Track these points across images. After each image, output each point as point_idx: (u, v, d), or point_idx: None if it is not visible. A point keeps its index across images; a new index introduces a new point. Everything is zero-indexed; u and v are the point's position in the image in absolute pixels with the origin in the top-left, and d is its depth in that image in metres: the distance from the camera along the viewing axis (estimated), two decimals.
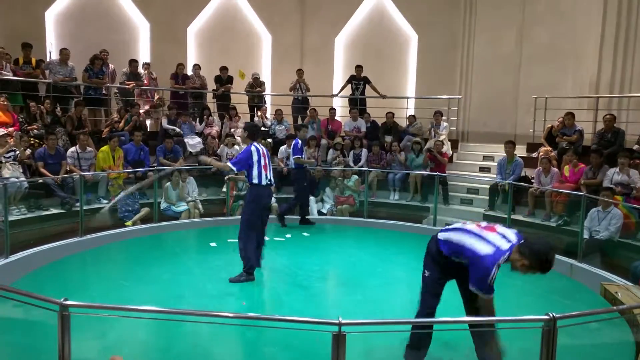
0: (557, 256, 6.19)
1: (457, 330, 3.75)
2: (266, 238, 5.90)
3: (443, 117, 10.18)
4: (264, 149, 5.41)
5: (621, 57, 8.55)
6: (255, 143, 5.36)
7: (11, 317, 4.00)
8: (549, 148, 8.50)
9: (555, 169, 7.77)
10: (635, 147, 7.57)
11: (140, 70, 10.21)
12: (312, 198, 8.77)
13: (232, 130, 10.01)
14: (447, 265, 3.22)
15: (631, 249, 6.00)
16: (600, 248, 6.11)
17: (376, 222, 7.99)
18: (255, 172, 5.23)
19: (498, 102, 11.06)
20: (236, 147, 9.41)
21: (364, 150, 9.70)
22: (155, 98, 10.48)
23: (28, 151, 7.38)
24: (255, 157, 5.23)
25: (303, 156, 8.04)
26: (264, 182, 5.26)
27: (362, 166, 9.39)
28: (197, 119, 10.12)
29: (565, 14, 9.71)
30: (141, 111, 9.70)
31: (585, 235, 6.12)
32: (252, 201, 5.32)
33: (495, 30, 11.02)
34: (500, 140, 9.54)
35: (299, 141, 8.01)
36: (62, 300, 2.44)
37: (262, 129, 10.34)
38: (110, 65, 9.64)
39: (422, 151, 9.38)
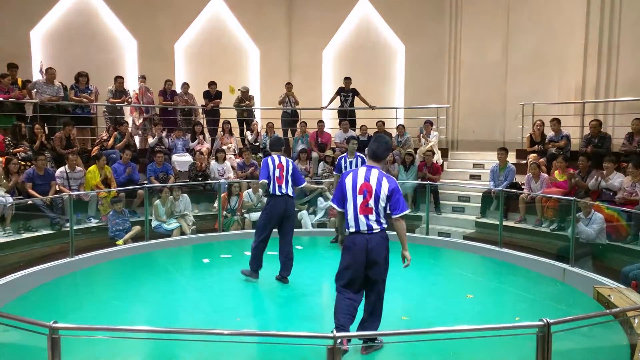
0: (550, 261, 6.30)
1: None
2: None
3: (432, 127, 10.25)
4: (285, 161, 5.62)
5: (605, 62, 8.69)
6: (273, 154, 5.67)
7: (0, 342, 3.92)
8: (535, 155, 8.58)
9: (545, 175, 7.84)
10: (623, 142, 7.67)
11: (134, 85, 10.19)
12: (304, 211, 8.76)
13: (226, 147, 9.96)
14: None
15: (622, 252, 6.05)
16: (592, 252, 6.16)
17: None
18: (270, 183, 5.52)
19: (486, 110, 11.18)
20: (227, 162, 9.39)
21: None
22: (147, 115, 10.44)
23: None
24: (271, 168, 5.51)
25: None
26: (277, 192, 5.51)
27: None
28: (189, 136, 10.10)
29: (549, 22, 9.88)
30: (138, 121, 9.69)
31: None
32: (265, 210, 5.65)
33: (481, 40, 11.18)
34: (490, 147, 9.61)
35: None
36: (51, 323, 2.40)
37: (254, 143, 10.35)
38: (93, 86, 9.59)
39: (413, 163, 9.38)
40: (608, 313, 3.96)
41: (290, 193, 5.59)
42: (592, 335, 4.07)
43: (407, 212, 3.69)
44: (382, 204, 3.61)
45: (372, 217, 3.62)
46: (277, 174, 5.51)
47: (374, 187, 3.60)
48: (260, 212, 8.47)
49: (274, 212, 5.53)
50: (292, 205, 5.66)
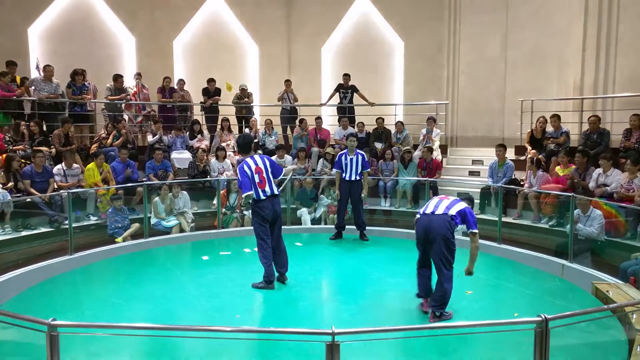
0: (549, 257, 6.31)
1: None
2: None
3: (435, 123, 10.21)
4: (261, 161, 5.41)
5: (603, 59, 8.68)
6: (247, 157, 5.45)
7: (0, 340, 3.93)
8: (534, 151, 8.57)
9: (542, 172, 7.83)
10: (622, 139, 7.67)
11: (130, 82, 10.18)
12: (304, 209, 8.74)
13: (225, 144, 9.94)
14: None
15: (620, 248, 6.06)
16: (591, 248, 6.16)
17: (368, 230, 7.98)
18: (252, 189, 5.34)
19: (485, 106, 11.18)
20: (227, 160, 9.38)
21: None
22: (145, 112, 10.45)
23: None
24: (249, 175, 5.30)
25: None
26: (261, 197, 5.33)
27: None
28: (187, 133, 10.08)
29: (548, 18, 9.86)
30: (139, 119, 9.66)
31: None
32: (254, 214, 5.47)
33: (480, 36, 11.17)
34: (489, 144, 9.60)
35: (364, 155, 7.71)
36: (50, 320, 2.40)
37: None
38: (91, 82, 9.58)
39: (412, 159, 9.39)
40: (606, 309, 3.98)
41: (275, 192, 5.42)
42: (590, 330, 4.09)
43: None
44: None
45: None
46: (257, 180, 5.30)
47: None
48: None
49: (264, 215, 5.36)
50: (279, 205, 5.49)
